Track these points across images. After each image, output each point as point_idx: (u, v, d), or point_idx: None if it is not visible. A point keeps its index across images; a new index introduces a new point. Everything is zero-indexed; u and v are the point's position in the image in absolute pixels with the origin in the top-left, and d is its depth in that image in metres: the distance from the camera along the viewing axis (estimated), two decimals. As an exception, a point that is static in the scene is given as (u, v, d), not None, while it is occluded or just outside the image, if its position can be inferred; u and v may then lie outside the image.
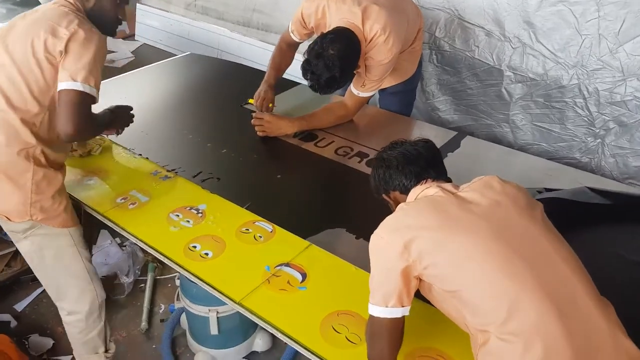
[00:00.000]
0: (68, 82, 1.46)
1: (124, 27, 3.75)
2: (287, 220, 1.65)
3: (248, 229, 1.61)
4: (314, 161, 2.02)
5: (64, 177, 1.62)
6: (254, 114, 2.16)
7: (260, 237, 1.58)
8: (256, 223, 1.63)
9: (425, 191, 1.20)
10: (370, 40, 2.00)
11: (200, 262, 1.48)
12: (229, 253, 1.51)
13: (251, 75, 2.63)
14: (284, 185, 1.87)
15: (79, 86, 1.46)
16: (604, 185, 1.70)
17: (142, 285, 2.35)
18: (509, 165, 2.01)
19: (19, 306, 2.23)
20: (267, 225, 1.62)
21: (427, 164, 1.25)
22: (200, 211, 1.68)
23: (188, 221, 1.63)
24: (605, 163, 2.47)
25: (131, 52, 4.52)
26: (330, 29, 1.99)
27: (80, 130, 1.49)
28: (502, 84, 2.61)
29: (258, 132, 2.14)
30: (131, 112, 1.90)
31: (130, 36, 4.80)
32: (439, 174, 1.25)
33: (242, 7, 4.01)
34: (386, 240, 1.12)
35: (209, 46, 4.15)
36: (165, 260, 1.51)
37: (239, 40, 4.01)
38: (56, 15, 1.50)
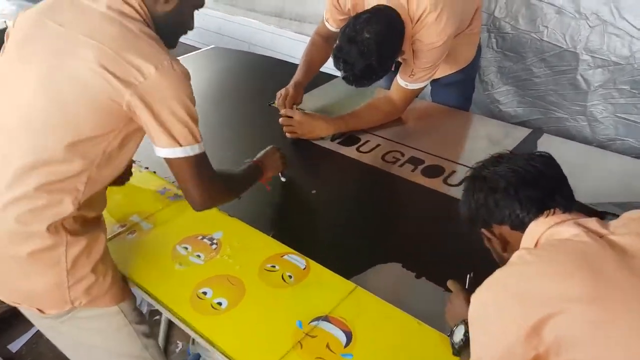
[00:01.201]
0: (169, 149, 1.07)
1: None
2: (325, 252, 1.29)
3: (274, 266, 1.25)
4: (357, 171, 1.65)
5: (105, 236, 1.19)
6: (282, 112, 1.81)
7: (290, 276, 1.22)
8: (285, 257, 1.28)
9: (556, 230, 0.83)
10: (418, 20, 1.61)
11: (211, 315, 1.13)
12: (248, 301, 1.16)
13: (281, 68, 2.26)
14: (319, 205, 1.51)
15: (187, 151, 1.07)
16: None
17: (158, 317, 2.03)
18: (610, 172, 1.59)
19: (14, 346, 1.93)
20: (300, 260, 1.26)
21: (552, 187, 0.89)
22: (214, 241, 1.33)
23: (198, 256, 1.29)
24: None
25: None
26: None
27: (214, 196, 1.16)
28: (577, 70, 2.17)
29: (287, 134, 1.79)
30: (279, 153, 1.50)
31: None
32: (569, 203, 0.87)
33: (273, -2, 3.65)
34: (503, 312, 0.76)
35: (240, 40, 3.82)
36: (166, 313, 1.17)
37: (271, 33, 3.66)
38: (119, 35, 1.03)
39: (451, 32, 1.64)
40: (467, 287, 1.08)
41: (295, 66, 2.01)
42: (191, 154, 1.08)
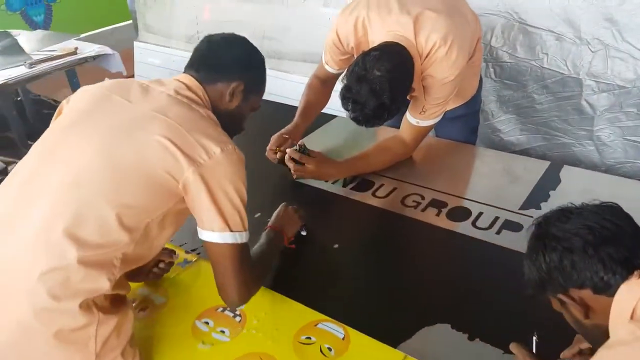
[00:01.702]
0: (219, 233, 1.04)
1: (120, 68, 3.33)
2: (362, 316, 1.18)
3: (310, 337, 1.12)
4: (378, 219, 1.54)
5: (133, 314, 1.10)
6: (288, 151, 1.69)
7: (330, 349, 1.09)
8: (320, 326, 1.15)
9: None
10: (427, 55, 1.55)
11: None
12: (288, 385, 1.02)
13: (266, 108, 2.16)
14: (344, 260, 1.39)
15: (235, 238, 1.06)
16: None
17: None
18: None
19: None
20: (337, 329, 1.14)
21: (635, 243, 0.79)
22: (237, 312, 1.20)
23: (222, 332, 1.15)
24: None
25: (132, 95, 4.12)
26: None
27: (252, 290, 1.13)
28: (581, 96, 2.14)
29: (294, 175, 1.69)
30: (292, 209, 1.43)
31: (129, 77, 4.41)
32: None
33: (250, 35, 3.54)
34: None
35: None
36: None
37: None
38: (187, 115, 1.07)
39: (462, 64, 1.58)
40: (534, 351, 0.98)
41: (276, 104, 1.92)
42: (239, 241, 1.06)
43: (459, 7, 1.67)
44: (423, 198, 1.59)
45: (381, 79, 1.43)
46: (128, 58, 4.32)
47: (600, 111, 2.12)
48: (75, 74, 3.22)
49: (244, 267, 1.08)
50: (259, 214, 1.55)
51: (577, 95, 2.14)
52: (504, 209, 1.51)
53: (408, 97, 1.65)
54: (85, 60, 3.04)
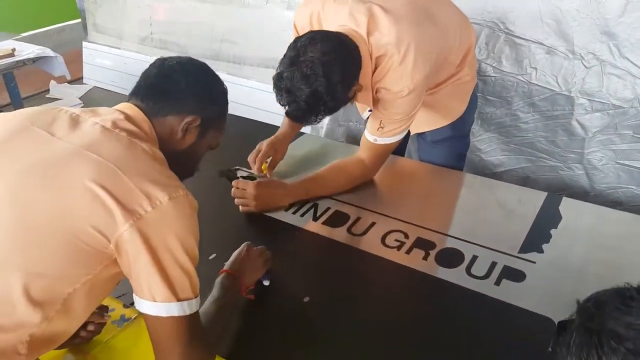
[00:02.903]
0: (164, 304, 0.83)
1: (64, 72, 2.99)
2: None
3: None
4: (356, 262, 1.30)
5: None
6: (233, 183, 1.47)
7: None
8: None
9: None
10: (379, 62, 1.34)
11: None
12: None
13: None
14: (318, 317, 1.13)
15: (183, 309, 0.84)
16: None
17: None
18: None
19: None
20: None
21: None
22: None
23: None
24: None
25: (79, 98, 3.76)
26: None
27: None
28: (572, 115, 1.96)
29: (240, 209, 1.45)
30: (257, 251, 1.20)
31: (77, 80, 4.04)
32: None
33: (208, 38, 3.30)
34: None
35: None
36: None
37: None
38: (127, 153, 0.86)
39: (421, 77, 1.36)
40: None
41: (239, 119, 1.67)
42: (188, 312, 0.85)
43: (433, 14, 1.45)
44: (407, 237, 1.36)
45: (314, 61, 1.21)
46: (76, 59, 3.97)
47: (592, 132, 1.94)
48: (12, 78, 2.87)
49: (194, 344, 0.86)
50: (213, 254, 1.29)
51: (568, 115, 1.96)
52: (502, 252, 1.29)
53: (352, 91, 1.36)
54: (23, 63, 2.69)
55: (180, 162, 0.98)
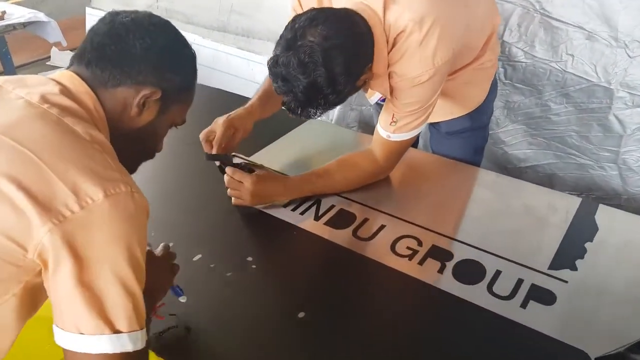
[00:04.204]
0: (93, 337, 0.65)
1: (59, 38, 2.83)
2: None
3: None
4: (362, 273, 1.14)
5: None
6: (227, 170, 1.28)
7: None
8: None
9: None
10: (396, 42, 1.14)
11: None
12: None
13: (222, 101, 1.71)
14: (316, 337, 0.98)
15: (121, 343, 0.66)
16: None
17: None
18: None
19: None
20: None
21: None
22: None
23: None
24: None
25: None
26: None
27: None
28: (610, 109, 1.76)
29: (233, 201, 1.28)
30: (164, 254, 0.97)
31: (71, 50, 3.87)
32: None
33: (216, 9, 3.12)
34: None
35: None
36: None
37: (213, 49, 3.11)
38: (53, 138, 0.68)
39: (444, 61, 1.17)
40: None
41: (240, 97, 1.49)
42: (130, 348, 0.66)
43: None
44: (420, 244, 1.19)
45: (314, 46, 1.03)
46: (79, 26, 3.79)
47: (631, 129, 1.75)
48: (4, 43, 2.71)
49: None
50: (198, 255, 1.15)
51: (605, 109, 1.76)
52: (529, 268, 1.13)
53: (360, 81, 1.18)
54: (13, 27, 2.53)
55: (137, 143, 0.83)
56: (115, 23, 0.81)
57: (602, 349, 0.92)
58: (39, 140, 0.66)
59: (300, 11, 1.33)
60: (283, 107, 1.15)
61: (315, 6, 1.27)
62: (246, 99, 1.43)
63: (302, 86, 1.05)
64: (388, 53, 1.17)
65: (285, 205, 1.31)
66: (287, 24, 1.11)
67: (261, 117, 1.40)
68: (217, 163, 1.32)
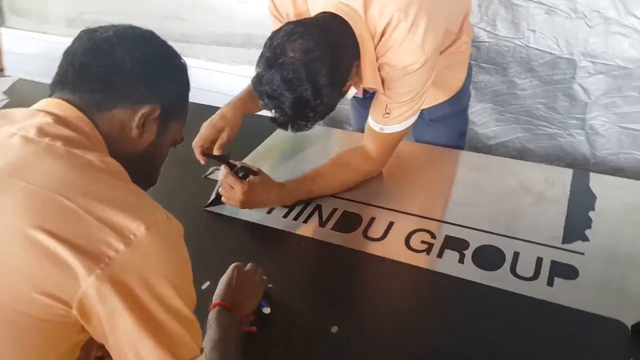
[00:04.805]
0: None
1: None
2: None
3: None
4: (381, 274, 1.12)
5: None
6: (221, 176, 1.23)
7: None
8: None
9: None
10: (383, 35, 1.12)
11: None
12: None
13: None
14: (354, 353, 0.94)
15: None
16: None
17: None
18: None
19: None
20: None
21: None
22: None
23: None
24: None
25: (3, 93, 3.33)
26: None
27: None
28: (574, 79, 1.82)
29: (223, 199, 1.25)
30: (250, 272, 1.01)
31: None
32: None
33: (148, 16, 2.94)
34: None
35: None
36: None
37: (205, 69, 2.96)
38: (71, 173, 0.62)
39: (433, 47, 1.16)
40: None
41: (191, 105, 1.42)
42: None
43: None
44: (433, 236, 1.18)
45: (294, 63, 1.01)
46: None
47: (595, 96, 1.81)
48: None
49: None
50: (207, 283, 1.07)
51: (569, 79, 1.82)
52: (544, 245, 1.14)
53: (344, 88, 1.16)
54: None
55: (140, 169, 0.75)
56: (95, 39, 0.73)
57: (636, 316, 0.94)
58: (58, 179, 0.60)
59: (277, 15, 1.29)
60: (272, 122, 1.11)
61: (291, 10, 1.24)
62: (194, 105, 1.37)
63: (289, 102, 1.03)
64: (375, 47, 1.15)
65: (285, 216, 1.27)
66: (266, 41, 1.07)
67: (251, 111, 1.37)
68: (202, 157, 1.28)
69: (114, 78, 0.72)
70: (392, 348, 0.94)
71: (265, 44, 1.07)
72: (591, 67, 1.76)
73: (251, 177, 1.22)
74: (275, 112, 1.07)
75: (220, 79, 2.69)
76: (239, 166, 1.23)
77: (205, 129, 1.29)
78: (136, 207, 0.62)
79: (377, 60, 1.16)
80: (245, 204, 1.21)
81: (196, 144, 1.28)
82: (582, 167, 1.87)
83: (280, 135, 1.57)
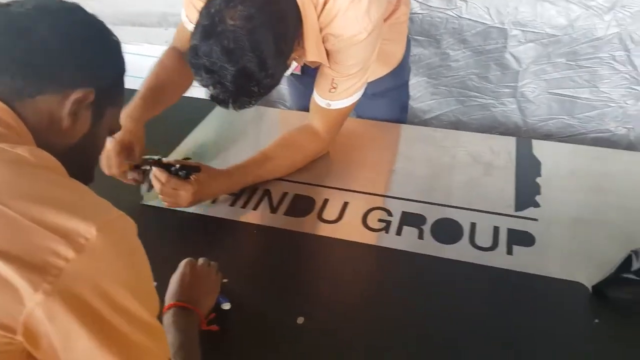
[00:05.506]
0: None
1: None
2: None
3: None
4: (342, 259, 1.08)
5: None
6: (158, 177, 1.11)
7: None
8: None
9: None
10: (326, 2, 1.06)
11: None
12: None
13: None
14: (322, 346, 0.89)
15: None
16: None
17: None
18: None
19: None
20: None
21: None
22: None
23: None
24: (651, 131, 1.86)
25: None
26: None
27: None
28: (505, 48, 1.85)
29: (166, 205, 1.14)
30: (204, 267, 0.93)
31: None
32: None
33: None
34: None
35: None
36: None
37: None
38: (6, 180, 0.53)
39: (378, 16, 1.12)
40: None
41: None
42: None
43: None
44: (390, 214, 1.15)
45: (236, 31, 0.92)
46: None
47: (526, 64, 1.85)
48: None
49: None
50: (154, 284, 0.97)
51: (501, 48, 1.84)
52: (499, 214, 1.14)
53: (289, 60, 1.09)
54: None
55: (75, 165, 0.65)
56: (11, 14, 0.62)
57: (595, 277, 0.96)
58: None
59: None
60: (212, 101, 1.02)
61: None
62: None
63: (231, 75, 0.93)
64: (318, 17, 1.09)
65: (232, 204, 1.19)
66: (201, 9, 0.97)
67: (150, 117, 1.22)
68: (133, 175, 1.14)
69: (36, 60, 0.62)
70: (362, 331, 0.90)
71: (201, 11, 0.96)
72: (521, 35, 1.79)
73: (194, 174, 1.13)
74: (215, 88, 0.97)
75: (136, 61, 2.50)
76: (177, 166, 1.13)
77: (114, 152, 1.11)
78: (83, 206, 0.53)
79: (321, 31, 1.10)
80: (195, 202, 1.13)
81: (115, 172, 1.13)
82: (514, 136, 1.92)
83: (215, 118, 1.48)
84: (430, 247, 1.06)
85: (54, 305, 0.48)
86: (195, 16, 1.00)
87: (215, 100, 1.00)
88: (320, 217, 1.15)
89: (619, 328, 0.90)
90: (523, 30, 1.78)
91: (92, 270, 0.51)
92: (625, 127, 1.88)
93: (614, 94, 1.83)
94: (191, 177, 1.12)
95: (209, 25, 0.93)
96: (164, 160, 1.14)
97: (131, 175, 1.15)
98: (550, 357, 0.85)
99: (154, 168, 1.11)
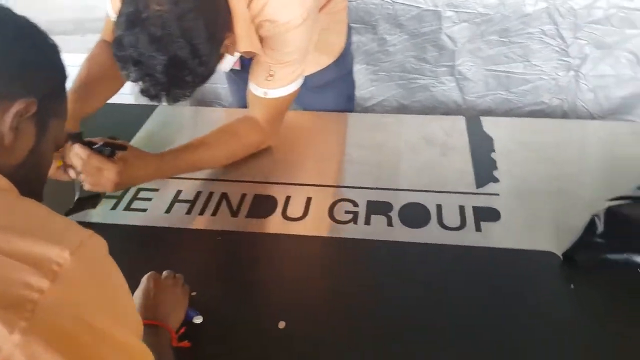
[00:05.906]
0: None
1: None
2: None
3: None
4: (319, 254, 1.04)
5: None
6: (79, 152, 1.00)
7: None
8: None
9: None
10: None
11: None
12: None
13: None
14: (304, 351, 0.86)
15: None
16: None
17: None
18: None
19: None
20: None
21: None
22: None
23: None
24: (582, 101, 1.95)
25: None
26: None
27: None
28: (440, 30, 1.87)
29: (86, 187, 1.04)
30: (170, 281, 0.88)
31: None
32: None
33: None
34: None
35: None
36: None
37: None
38: None
39: (312, 2, 1.10)
40: None
41: None
42: None
43: None
44: (356, 204, 1.13)
45: (163, 17, 0.87)
46: None
47: (461, 43, 1.89)
48: None
49: None
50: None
51: (436, 30, 1.87)
52: (462, 193, 1.15)
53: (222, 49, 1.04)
54: None
55: (23, 186, 0.58)
56: None
57: (563, 244, 0.98)
58: None
59: None
60: (142, 95, 0.95)
61: None
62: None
63: (162, 65, 0.87)
64: (249, 5, 1.04)
65: (188, 212, 1.12)
66: None
67: (84, 113, 1.14)
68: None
69: None
70: (345, 325, 0.87)
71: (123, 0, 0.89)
72: (455, 16, 1.82)
73: (119, 152, 1.04)
74: (144, 82, 0.90)
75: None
76: (100, 143, 1.02)
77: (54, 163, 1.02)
78: (50, 229, 0.48)
79: (254, 19, 1.05)
80: (119, 185, 1.03)
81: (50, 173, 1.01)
82: (456, 114, 1.96)
83: (154, 124, 1.40)
84: (401, 233, 1.05)
85: (32, 345, 0.42)
86: (119, 7, 0.92)
87: (146, 94, 0.93)
88: (285, 216, 1.11)
89: (594, 290, 0.92)
90: (456, 11, 1.81)
91: (69, 298, 0.45)
92: (558, 98, 1.96)
93: (545, 67, 1.90)
94: (116, 155, 1.02)
95: (133, 13, 0.86)
96: (88, 139, 1.04)
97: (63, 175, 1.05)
98: (534, 327, 0.86)
99: (75, 145, 1.00)
